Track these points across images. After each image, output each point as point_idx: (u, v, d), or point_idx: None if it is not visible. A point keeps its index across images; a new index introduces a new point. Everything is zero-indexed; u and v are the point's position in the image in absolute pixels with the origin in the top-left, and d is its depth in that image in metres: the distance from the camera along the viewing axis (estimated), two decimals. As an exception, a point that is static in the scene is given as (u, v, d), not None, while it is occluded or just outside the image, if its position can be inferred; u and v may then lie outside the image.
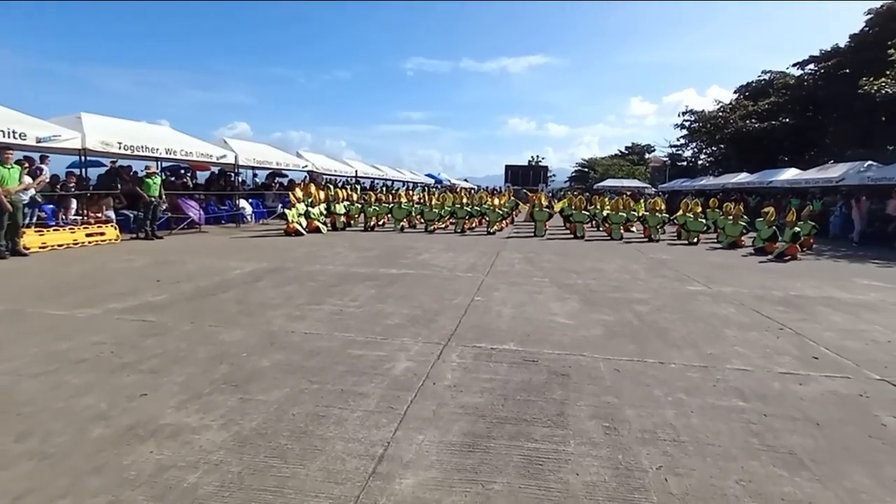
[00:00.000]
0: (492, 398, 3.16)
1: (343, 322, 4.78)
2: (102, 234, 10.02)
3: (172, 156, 12.09)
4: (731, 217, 12.86)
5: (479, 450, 2.56)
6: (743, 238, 12.55)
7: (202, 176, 16.59)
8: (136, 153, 10.91)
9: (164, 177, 13.62)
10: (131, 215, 11.33)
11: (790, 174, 20.37)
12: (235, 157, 14.20)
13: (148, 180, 10.90)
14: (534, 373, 3.62)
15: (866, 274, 8.74)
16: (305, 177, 18.57)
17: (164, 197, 11.28)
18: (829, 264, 9.99)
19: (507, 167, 35.91)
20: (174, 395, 3.08)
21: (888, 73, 16.84)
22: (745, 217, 12.96)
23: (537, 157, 64.01)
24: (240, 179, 16.94)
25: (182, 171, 15.49)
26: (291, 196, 13.07)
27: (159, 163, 13.22)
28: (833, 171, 17.30)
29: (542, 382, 3.44)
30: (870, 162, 16.58)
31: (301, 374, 3.46)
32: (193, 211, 13.02)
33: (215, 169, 16.43)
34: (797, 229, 10.70)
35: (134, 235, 10.89)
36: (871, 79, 17.39)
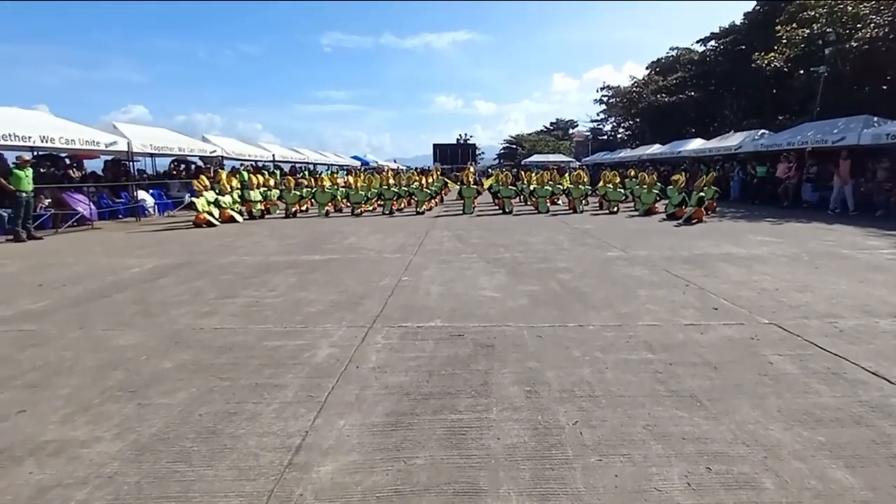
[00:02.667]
0: (417, 376, 3.12)
1: (259, 314, 4.52)
2: (-28, 237, 8.74)
3: (50, 143, 10.64)
4: (645, 186, 13.71)
5: (402, 427, 2.51)
6: (657, 205, 13.44)
7: (92, 166, 14.92)
8: (3, 143, 9.53)
9: (44, 169, 12.10)
10: (4, 214, 9.95)
11: (696, 144, 22.06)
12: (129, 144, 12.77)
13: (18, 172, 9.46)
14: (460, 346, 3.62)
15: (760, 231, 9.69)
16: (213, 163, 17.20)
17: (33, 190, 9.85)
18: (729, 224, 10.96)
19: (436, 146, 35.89)
20: (58, 410, 2.74)
21: (776, 48, 18.55)
22: (658, 185, 13.87)
23: (466, 135, 64.40)
24: (136, 168, 15.44)
25: (65, 161, 13.77)
26: (196, 183, 12.05)
27: (34, 152, 11.69)
28: (732, 140, 18.96)
29: (468, 355, 3.45)
30: (763, 130, 18.33)
31: (210, 373, 3.22)
32: (82, 205, 11.68)
33: (107, 158, 14.82)
34: (702, 194, 11.62)
35: (10, 237, 9.58)
36: (763, 53, 19.08)
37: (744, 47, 24.95)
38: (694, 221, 11.09)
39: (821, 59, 16.88)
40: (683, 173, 14.63)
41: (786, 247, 7.73)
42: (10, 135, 9.75)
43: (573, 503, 1.92)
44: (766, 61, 18.84)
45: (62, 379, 3.15)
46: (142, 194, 14.44)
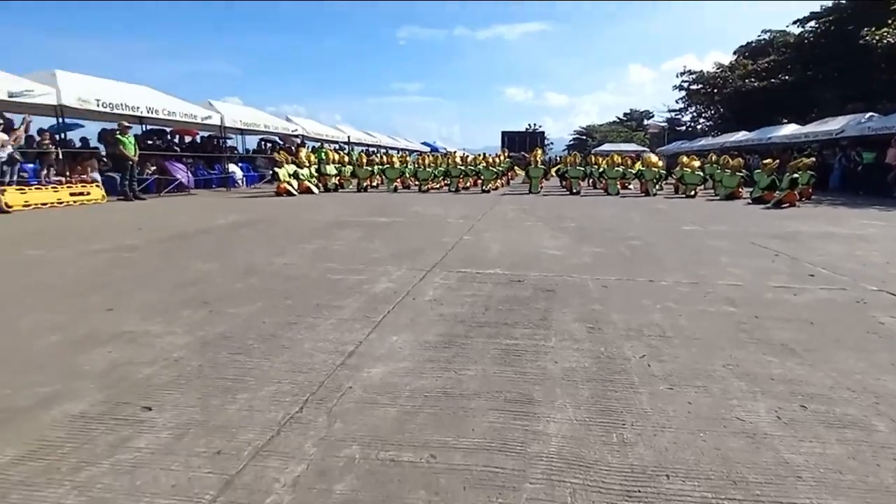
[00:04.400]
0: (473, 309, 3.03)
1: (326, 256, 4.63)
2: (87, 193, 9.80)
3: (154, 115, 11.72)
4: (728, 169, 12.60)
5: (455, 346, 2.43)
6: (741, 189, 12.33)
7: (190, 142, 16.21)
8: (115, 111, 10.56)
9: (150, 141, 13.30)
10: (117, 177, 11.06)
11: (789, 130, 19.96)
12: (221, 119, 13.80)
13: (121, 138, 10.49)
14: (518, 289, 3.48)
15: (865, 216, 8.57)
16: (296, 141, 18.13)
17: (137, 156, 10.84)
18: (827, 209, 9.80)
19: (504, 133, 35.29)
20: (139, 311, 2.94)
21: (890, 22, 16.31)
22: (744, 170, 12.70)
23: (535, 124, 62.93)
24: (228, 145, 16.59)
25: (168, 136, 15.10)
26: (278, 156, 12.73)
27: (143, 124, 12.88)
28: (833, 124, 16.91)
29: (527, 297, 3.30)
30: (871, 113, 16.20)
31: (275, 294, 3.32)
32: (181, 173, 12.74)
33: (204, 133, 16.03)
34: (796, 176, 10.47)
35: (121, 197, 10.65)
36: (874, 29, 16.85)
37: (851, 28, 22.15)
38: (785, 205, 10.00)
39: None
40: (774, 158, 13.26)
41: (900, 229, 6.77)
42: (121, 104, 10.80)
43: (638, 421, 1.73)
44: (877, 36, 16.58)
45: (146, 290, 3.39)
46: (232, 167, 15.52)
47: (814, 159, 12.61)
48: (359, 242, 5.41)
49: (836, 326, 2.74)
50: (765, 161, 12.22)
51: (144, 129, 13.55)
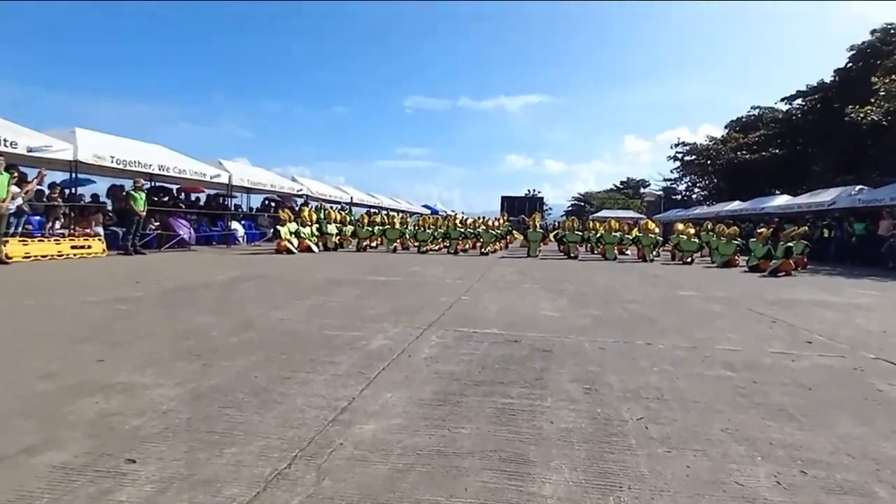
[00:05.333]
0: (469, 367, 3.01)
1: (323, 313, 4.64)
2: (88, 247, 9.91)
3: (165, 172, 12.12)
4: (724, 237, 12.85)
5: (449, 403, 2.40)
6: (737, 257, 12.50)
7: (195, 199, 16.62)
8: (128, 168, 10.94)
9: (157, 197, 13.66)
10: (120, 232, 11.24)
11: (782, 200, 20.56)
12: (229, 178, 14.25)
13: (134, 194, 10.83)
14: (515, 349, 3.47)
15: (860, 285, 8.64)
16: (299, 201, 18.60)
17: (145, 212, 11.11)
18: (823, 279, 9.90)
19: (503, 198, 36.27)
20: (132, 362, 2.92)
21: (872, 101, 17.34)
22: (739, 238, 12.94)
23: (534, 190, 64.71)
24: (234, 203, 17.01)
25: (174, 192, 15.52)
26: (282, 213, 13.04)
27: (152, 181, 13.27)
28: (824, 196, 17.46)
29: (524, 356, 3.29)
30: (860, 186, 16.78)
31: (270, 348, 3.30)
32: (184, 229, 12.96)
33: (209, 191, 16.48)
34: (790, 244, 10.67)
35: (122, 251, 10.76)
36: (857, 107, 17.88)
37: (836, 105, 23.52)
38: (781, 274, 10.09)
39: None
40: (768, 227, 13.57)
41: (893, 298, 6.81)
42: (135, 161, 11.21)
43: (636, 485, 1.69)
44: (861, 114, 17.56)
45: (141, 341, 3.38)
46: (234, 224, 15.82)
47: (806, 228, 12.91)
48: (356, 300, 5.43)
49: (834, 392, 2.72)
50: (759, 230, 12.51)
51: (153, 185, 13.93)
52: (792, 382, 2.87)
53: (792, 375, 3.01)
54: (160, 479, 1.64)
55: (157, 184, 14.31)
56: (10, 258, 8.23)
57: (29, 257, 8.67)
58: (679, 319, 4.76)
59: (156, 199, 13.82)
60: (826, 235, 15.94)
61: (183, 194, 15.94)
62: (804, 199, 18.77)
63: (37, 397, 2.33)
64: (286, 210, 13.46)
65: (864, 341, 4.02)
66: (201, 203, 16.23)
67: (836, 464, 1.87)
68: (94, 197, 12.86)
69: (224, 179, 14.20)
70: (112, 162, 10.54)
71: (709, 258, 13.85)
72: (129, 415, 2.16)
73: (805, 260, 11.78)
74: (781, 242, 10.82)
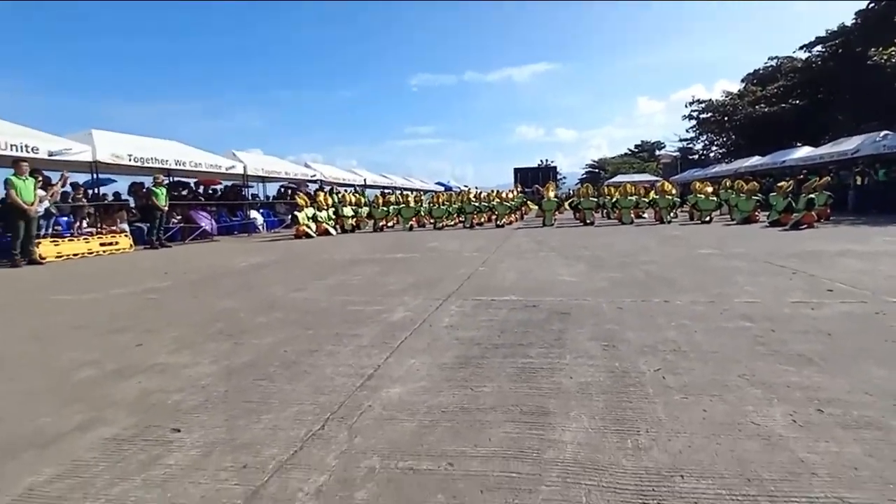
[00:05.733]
0: (489, 332, 3.09)
1: (344, 290, 4.76)
2: (116, 243, 10.24)
3: (182, 167, 12.35)
4: (743, 193, 12.57)
5: (471, 366, 2.48)
6: (757, 213, 12.25)
7: (214, 191, 16.90)
8: (146, 165, 11.18)
9: (176, 192, 13.96)
10: (145, 227, 11.57)
11: (804, 152, 19.91)
12: (244, 168, 14.46)
13: (155, 189, 11.13)
14: (534, 313, 3.53)
15: (886, 233, 8.41)
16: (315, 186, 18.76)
17: (167, 206, 11.40)
18: (847, 228, 9.66)
19: (516, 170, 35.86)
20: (167, 345, 3.08)
21: (896, 41, 16.52)
22: (759, 194, 12.64)
23: (547, 160, 63.78)
24: (251, 192, 17.25)
25: (193, 186, 15.81)
26: (298, 199, 13.21)
27: (171, 176, 13.54)
28: (848, 145, 16.82)
29: (542, 319, 3.35)
30: (886, 132, 16.11)
31: (296, 325, 3.43)
32: (205, 221, 13.25)
33: (227, 183, 16.73)
34: (812, 197, 10.39)
35: (148, 245, 11.10)
36: (881, 49, 17.03)
37: (859, 49, 22.40)
38: (803, 227, 9.87)
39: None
40: (794, 179, 13.18)
41: (925, 244, 6.63)
42: (152, 158, 11.44)
43: (652, 428, 1.75)
44: (885, 56, 16.72)
45: (173, 327, 3.54)
46: (253, 213, 16.10)
47: (829, 178, 12.52)
48: (376, 276, 5.54)
49: (854, 337, 2.72)
50: (779, 184, 12.18)
51: (171, 180, 14.25)
52: (812, 329, 2.87)
53: (812, 323, 3.01)
54: (204, 445, 1.77)
55: (176, 178, 14.61)
56: (43, 258, 8.57)
57: (61, 256, 9.01)
58: (697, 277, 4.75)
59: (176, 193, 14.14)
60: (858, 183, 15.32)
61: (201, 187, 16.22)
62: (826, 150, 18.12)
63: (82, 382, 2.50)
64: (302, 195, 13.61)
65: (888, 287, 3.96)
66: (219, 195, 16.50)
67: (853, 402, 1.90)
68: (116, 195, 13.20)
69: (239, 170, 14.40)
70: (130, 160, 10.77)
71: (728, 216, 13.60)
72: (170, 391, 2.30)
73: (828, 211, 11.50)
74: (803, 195, 10.55)
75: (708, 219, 12.78)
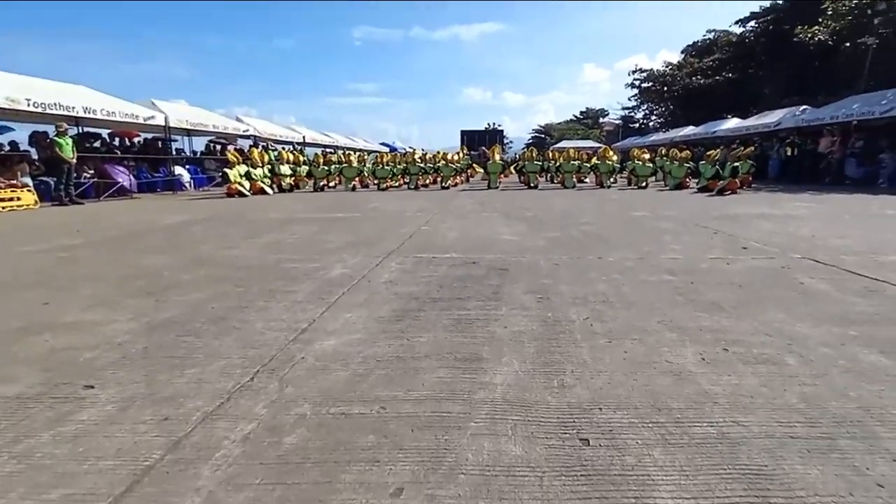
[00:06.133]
0: (427, 287, 3.09)
1: (279, 248, 4.58)
2: (17, 199, 9.21)
3: (92, 115, 11.11)
4: (676, 160, 13.24)
5: (408, 318, 2.49)
6: (688, 179, 12.98)
7: (131, 145, 15.47)
8: (49, 111, 9.97)
9: (88, 143, 12.67)
10: (51, 182, 10.44)
11: (732, 123, 21.17)
12: (165, 119, 13.25)
13: (59, 139, 9.91)
14: (473, 269, 3.57)
15: (798, 199, 9.21)
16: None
17: (76, 159, 10.25)
18: (766, 195, 10.47)
19: (463, 132, 35.69)
20: (79, 303, 2.84)
21: (821, 21, 17.61)
22: (690, 162, 13.36)
23: (494, 123, 63.72)
24: (175, 147, 15.96)
25: (108, 138, 14.39)
26: (228, 154, 12.39)
27: (80, 126, 12.23)
28: (771, 117, 18.07)
29: (481, 275, 3.40)
30: (805, 106, 17.41)
31: (226, 282, 3.27)
32: (123, 177, 12.16)
33: (147, 136, 15.37)
34: (737, 164, 11.14)
35: (56, 202, 10.05)
36: (806, 27, 18.13)
37: (787, 27, 23.72)
38: (727, 193, 10.62)
39: (869, 31, 15.87)
40: (718, 149, 14.03)
41: (825, 208, 7.35)
42: (55, 104, 10.20)
43: (577, 369, 1.84)
44: (809, 35, 17.87)
45: (87, 284, 3.27)
46: (178, 169, 14.91)
47: (753, 149, 13.44)
48: (314, 235, 5.37)
49: (761, 287, 2.98)
50: (709, 153, 12.92)
51: (81, 130, 12.88)
52: (725, 281, 3.11)
53: (726, 276, 3.26)
54: (121, 400, 1.67)
55: (86, 129, 13.21)
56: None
57: (-49, 213, 8.00)
58: (629, 237, 4.99)
59: (87, 145, 12.83)
60: (790, 154, 16.43)
61: (117, 139, 14.79)
62: (752, 122, 19.37)
63: (-20, 340, 2.26)
64: (233, 151, 12.76)
65: (794, 245, 4.36)
66: (137, 148, 15.14)
67: (755, 342, 2.09)
68: (13, 145, 11.76)
69: (160, 121, 13.18)
70: (29, 105, 9.55)
71: (662, 182, 14.33)
72: (82, 349, 2.13)
73: (750, 179, 12.37)
74: (729, 163, 11.28)
75: (644, 184, 13.40)
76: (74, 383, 1.79)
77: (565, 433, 1.41)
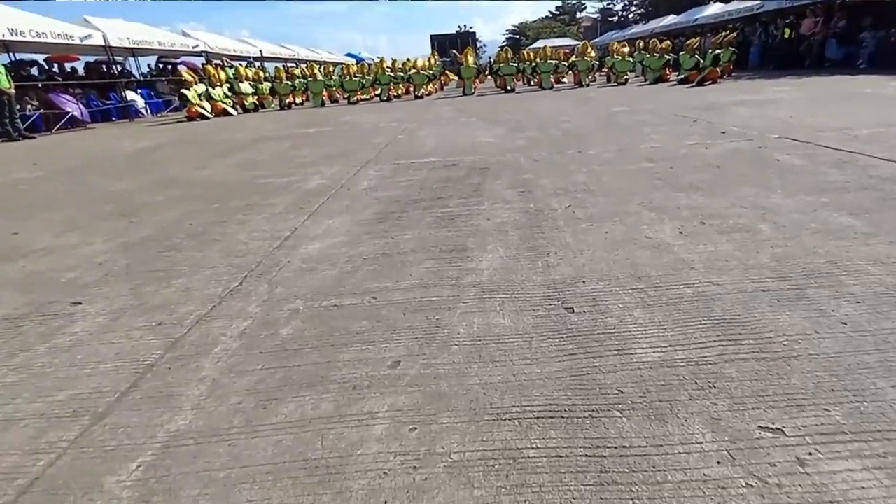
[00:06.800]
0: (408, 191, 3.05)
1: (252, 165, 4.42)
2: (-39, 136, 8.55)
3: (21, 38, 10.03)
4: (656, 52, 12.72)
5: (391, 219, 2.48)
6: (668, 72, 12.58)
7: (72, 70, 14.18)
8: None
9: (23, 72, 11.58)
10: (-9, 117, 9.64)
11: (714, 9, 20.10)
12: (104, 38, 12.03)
13: (-10, 68, 9.07)
14: (453, 171, 3.52)
15: (778, 84, 9.06)
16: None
17: (13, 89, 9.38)
18: (745, 83, 10.26)
19: (433, 37, 33.23)
20: (51, 230, 2.75)
21: None
22: (670, 53, 12.85)
23: (465, 26, 59.69)
24: (120, 70, 14.68)
25: (45, 64, 13.14)
26: (183, 75, 11.49)
27: (10, 52, 11.10)
28: (754, 0, 17.17)
29: (461, 176, 3.35)
30: (787, -14, 16.50)
31: (200, 200, 3.18)
32: (72, 106, 11.28)
33: (88, 58, 14.06)
34: (718, 52, 10.77)
35: (4, 138, 9.36)
36: None
37: None
38: (708, 83, 10.40)
39: None
40: (698, 38, 13.45)
41: (804, 91, 7.27)
42: (-26, 28, 9.13)
43: (560, 250, 1.89)
44: None
45: (55, 212, 3.15)
46: (130, 95, 13.86)
47: (735, 35, 12.92)
48: (286, 151, 5.17)
49: (738, 167, 3.01)
50: (688, 42, 12.41)
51: (14, 57, 11.71)
52: (703, 164, 3.13)
53: (704, 159, 3.28)
54: (111, 312, 1.67)
55: (18, 56, 11.99)
56: None
57: None
58: (609, 132, 4.91)
59: (24, 73, 11.74)
60: (772, 39, 15.80)
61: (56, 65, 13.52)
62: (734, 6, 18.40)
63: (-48, 271, 2.20)
64: (188, 70, 11.82)
65: (772, 127, 4.35)
66: (80, 74, 13.91)
67: (730, 214, 2.15)
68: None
69: (98, 41, 11.96)
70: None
71: (642, 78, 13.89)
72: (62, 270, 2.10)
73: (731, 67, 12.03)
74: (710, 51, 10.90)
75: (624, 80, 12.97)
76: (61, 301, 1.78)
77: (551, 305, 1.48)
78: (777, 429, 0.93)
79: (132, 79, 15.35)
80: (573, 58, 14.36)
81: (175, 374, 1.27)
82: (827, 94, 6.74)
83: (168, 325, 1.53)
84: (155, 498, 0.89)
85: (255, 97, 13.38)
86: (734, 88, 8.98)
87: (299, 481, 0.90)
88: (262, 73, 14.38)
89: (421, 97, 13.51)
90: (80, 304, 1.76)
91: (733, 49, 11.88)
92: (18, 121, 9.59)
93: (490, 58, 31.09)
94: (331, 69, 16.95)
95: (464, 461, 0.92)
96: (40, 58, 13.15)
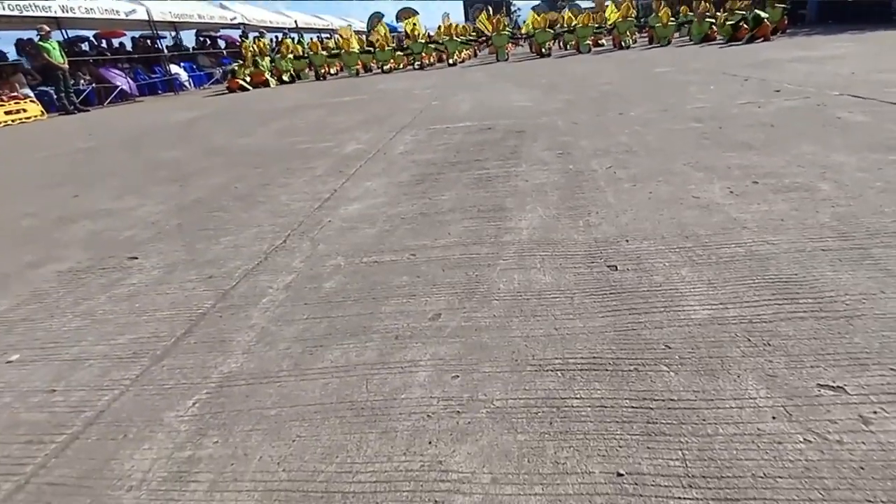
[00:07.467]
0: (445, 154, 3.03)
1: (291, 132, 4.49)
2: (23, 111, 9.03)
3: (71, 14, 10.38)
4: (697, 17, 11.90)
5: (428, 181, 2.47)
6: (715, 30, 11.78)
7: (120, 45, 14.59)
8: (24, 13, 9.31)
9: (77, 48, 12.01)
10: (51, 91, 10.11)
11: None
12: (148, 13, 12.32)
13: (44, 44, 9.39)
14: (489, 135, 3.46)
15: (837, 40, 8.35)
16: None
17: (66, 64, 9.74)
18: (800, 39, 9.51)
19: (466, 2, 32.32)
20: (108, 194, 2.90)
21: None
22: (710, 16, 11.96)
23: (500, -11, 57.26)
24: (165, 44, 15.02)
25: (94, 40, 13.57)
26: (244, 49, 11.70)
27: (62, 28, 11.50)
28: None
29: (498, 139, 3.29)
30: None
31: (244, 166, 3.26)
32: (121, 80, 11.69)
33: (134, 34, 14.43)
34: (765, 14, 9.96)
35: (61, 111, 9.84)
36: None
37: None
38: (759, 39, 9.70)
39: None
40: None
41: (868, 46, 6.68)
42: (30, 5, 9.51)
43: (602, 210, 1.84)
44: None
45: (112, 178, 3.31)
46: (174, 68, 14.22)
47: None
48: (324, 118, 5.21)
49: (795, 125, 2.82)
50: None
51: (66, 35, 12.15)
52: (756, 123, 2.95)
53: (757, 118, 3.09)
54: (165, 266, 1.76)
55: (72, 33, 12.43)
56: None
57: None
58: (651, 92, 4.69)
59: (77, 49, 12.19)
60: None
61: (104, 41, 13.95)
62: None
63: (24, 230, 2.36)
64: (248, 45, 11.98)
65: (832, 83, 4.04)
66: (128, 49, 14.32)
67: (786, 174, 2.02)
68: (1, 55, 11.22)
69: (142, 16, 12.28)
70: (4, 8, 8.90)
71: (688, 38, 13.07)
72: (120, 229, 2.22)
73: (785, 22, 11.14)
74: (755, 11, 10.10)
75: (667, 42, 12.25)
76: (119, 256, 1.89)
77: (593, 262, 1.45)
78: (838, 387, 0.89)
79: (175, 53, 15.68)
80: (616, 15, 13.61)
81: (226, 322, 1.33)
82: (893, 49, 6.17)
83: (218, 279, 1.60)
84: (211, 431, 0.95)
85: (293, 70, 13.45)
86: (788, 45, 8.34)
87: (346, 420, 0.94)
88: (300, 48, 14.41)
89: (454, 64, 13.21)
90: (136, 258, 1.86)
91: (784, 6, 10.96)
92: (73, 94, 10.03)
93: (524, 22, 29.88)
94: (363, 39, 16.77)
95: (507, 408, 0.93)
96: (90, 34, 13.60)
